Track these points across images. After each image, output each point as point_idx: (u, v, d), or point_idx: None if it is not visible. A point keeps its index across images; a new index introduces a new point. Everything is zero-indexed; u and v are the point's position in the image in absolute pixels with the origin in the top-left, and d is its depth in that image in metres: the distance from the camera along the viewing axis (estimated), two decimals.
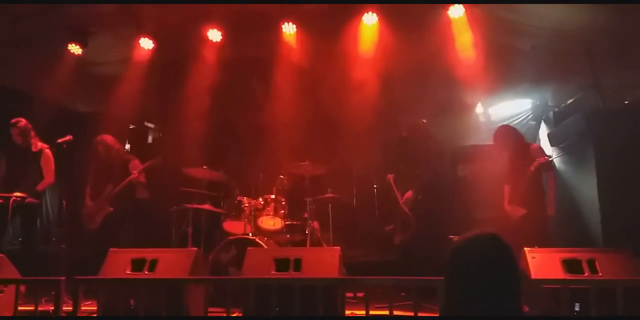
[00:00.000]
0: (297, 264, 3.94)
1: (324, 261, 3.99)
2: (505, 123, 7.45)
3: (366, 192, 6.88)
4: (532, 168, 4.90)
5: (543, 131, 7.31)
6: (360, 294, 5.08)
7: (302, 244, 5.68)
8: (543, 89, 7.19)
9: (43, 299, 4.09)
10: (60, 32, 6.16)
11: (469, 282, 1.68)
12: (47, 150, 5.53)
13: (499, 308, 1.64)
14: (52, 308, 3.71)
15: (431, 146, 5.55)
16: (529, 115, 7.52)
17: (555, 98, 7.17)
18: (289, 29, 6.16)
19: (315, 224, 5.74)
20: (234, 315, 3.66)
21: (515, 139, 5.29)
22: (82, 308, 3.87)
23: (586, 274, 3.55)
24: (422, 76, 6.00)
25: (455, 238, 1.90)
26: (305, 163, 5.73)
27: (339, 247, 4.16)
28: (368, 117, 6.10)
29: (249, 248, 4.27)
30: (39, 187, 5.44)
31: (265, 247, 5.11)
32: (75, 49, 6.28)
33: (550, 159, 4.97)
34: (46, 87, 6.46)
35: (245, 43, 6.34)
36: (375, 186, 6.01)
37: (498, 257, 1.69)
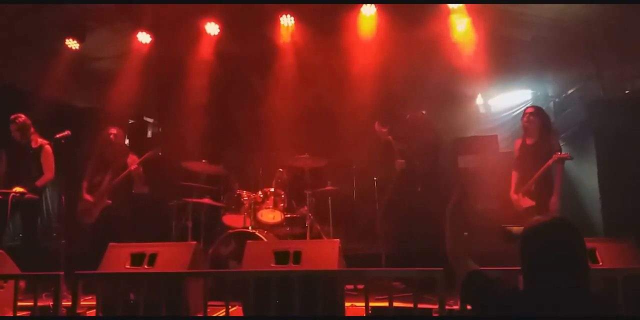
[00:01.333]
0: (297, 257, 3.93)
1: (324, 254, 3.98)
2: (505, 115, 7.48)
3: (366, 185, 6.86)
4: (550, 161, 4.71)
5: None
6: (360, 286, 5.08)
7: (302, 237, 5.67)
8: (543, 79, 7.16)
9: (43, 295, 4.08)
10: (58, 28, 6.14)
11: (545, 266, 1.77)
12: (47, 146, 5.53)
13: (572, 289, 1.74)
14: (52, 303, 3.70)
15: (429, 137, 5.49)
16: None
17: (555, 88, 7.14)
18: (287, 22, 6.13)
19: (310, 216, 5.72)
20: (233, 308, 3.65)
21: (543, 125, 5.00)
22: (82, 303, 3.87)
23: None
24: (421, 67, 5.96)
25: (510, 226, 1.97)
26: (304, 156, 5.71)
27: (338, 240, 4.15)
28: (367, 109, 6.07)
29: (248, 241, 4.26)
30: (39, 183, 5.43)
31: (265, 240, 5.10)
32: (72, 44, 6.25)
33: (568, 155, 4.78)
34: (44, 83, 6.44)
35: (243, 36, 6.30)
36: (375, 179, 5.98)
37: (571, 241, 1.79)
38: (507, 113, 7.30)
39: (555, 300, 1.72)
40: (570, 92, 6.73)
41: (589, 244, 3.63)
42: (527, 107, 5.23)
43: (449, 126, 6.70)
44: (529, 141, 5.04)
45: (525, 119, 5.01)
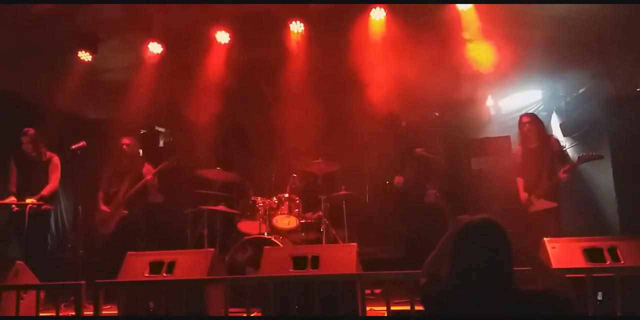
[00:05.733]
0: (315, 262, 3.93)
1: (341, 258, 3.98)
2: (516, 115, 7.45)
3: (379, 189, 6.86)
4: (578, 162, 4.96)
5: (555, 122, 7.25)
6: (377, 291, 5.07)
7: (317, 242, 5.67)
8: (554, 79, 7.12)
9: (62, 305, 4.11)
10: (70, 40, 6.20)
11: (471, 259, 1.94)
12: (56, 158, 5.66)
13: (493, 283, 1.89)
14: (73, 313, 3.72)
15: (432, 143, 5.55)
16: (540, 106, 7.46)
17: (566, 88, 7.10)
18: (296, 28, 6.16)
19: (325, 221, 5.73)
20: (253, 315, 3.65)
21: (542, 128, 5.25)
22: (103, 312, 3.88)
23: (608, 262, 3.51)
24: (432, 70, 5.96)
25: (463, 217, 2.12)
26: (317, 161, 5.72)
27: (355, 244, 4.15)
28: (378, 113, 6.08)
29: (265, 247, 4.28)
30: (44, 192, 5.49)
31: (282, 246, 5.11)
32: (85, 55, 6.31)
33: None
34: (57, 95, 6.51)
35: (253, 43, 6.33)
36: (387, 182, 5.98)
37: (496, 239, 1.95)
38: (519, 113, 7.23)
39: (475, 294, 1.88)
40: (581, 91, 6.70)
41: (610, 243, 3.64)
42: (522, 116, 5.39)
43: (461, 128, 6.69)
44: (531, 146, 5.19)
45: (525, 128, 5.21)
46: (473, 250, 1.93)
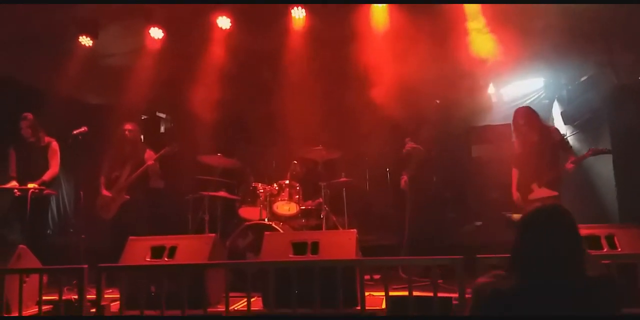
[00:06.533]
0: (315, 247, 3.98)
1: (341, 244, 4.02)
2: (517, 103, 7.44)
3: (379, 176, 6.88)
4: (588, 154, 4.87)
5: (556, 110, 7.24)
6: (376, 276, 5.12)
7: (317, 228, 5.71)
8: (556, 67, 7.09)
9: (65, 288, 4.16)
10: (71, 26, 6.18)
11: (536, 251, 1.82)
12: (54, 143, 5.66)
13: (563, 272, 1.78)
14: (75, 297, 3.76)
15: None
16: (541, 94, 7.44)
17: (568, 76, 7.07)
18: (298, 14, 6.12)
19: (326, 208, 5.75)
20: (253, 299, 3.70)
21: (536, 121, 5.15)
22: (105, 296, 3.93)
23: (605, 250, 3.55)
24: (434, 58, 5.94)
25: (509, 214, 2.00)
26: (318, 148, 5.73)
27: (355, 230, 4.19)
28: (379, 101, 6.06)
29: (266, 233, 4.31)
30: (45, 178, 5.51)
31: (282, 231, 5.15)
32: (86, 40, 6.28)
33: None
34: (58, 80, 6.50)
35: (254, 30, 6.30)
36: (387, 169, 6.00)
37: (560, 226, 1.84)
38: (520, 101, 7.24)
39: (550, 285, 1.76)
40: (583, 79, 6.67)
41: (607, 230, 3.68)
42: (517, 111, 5.28)
43: (462, 116, 6.69)
44: (530, 138, 5.11)
45: (522, 122, 5.11)
46: (543, 237, 1.83)
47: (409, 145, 5.49)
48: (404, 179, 5.54)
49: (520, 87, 7.55)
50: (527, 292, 1.78)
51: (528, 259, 1.83)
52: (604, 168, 5.93)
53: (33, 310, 3.91)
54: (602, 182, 6.05)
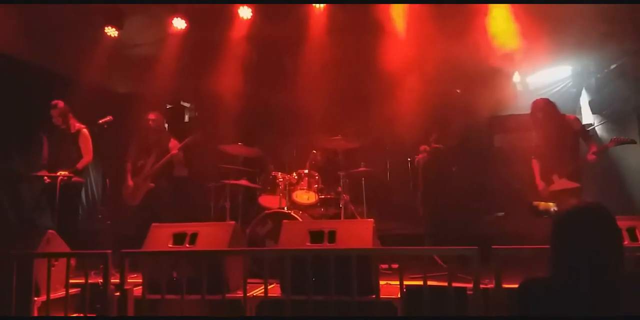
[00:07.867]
0: (332, 236, 4.00)
1: (358, 233, 4.04)
2: (543, 92, 7.28)
3: (399, 166, 6.86)
4: (610, 144, 4.80)
5: (584, 99, 7.07)
6: (395, 266, 5.14)
7: (336, 217, 5.75)
8: (584, 55, 6.91)
9: (92, 272, 4.30)
10: (97, 16, 6.30)
11: (575, 250, 1.79)
12: (85, 130, 5.73)
13: (605, 271, 1.75)
14: (101, 280, 3.89)
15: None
16: (569, 83, 7.27)
17: (596, 64, 6.89)
18: (318, 2, 6.10)
19: (346, 197, 5.78)
20: (271, 286, 3.77)
21: (554, 113, 5.08)
22: (128, 280, 4.05)
23: (626, 242, 3.48)
24: (456, 45, 5.85)
25: (535, 203, 1.97)
26: (337, 137, 5.75)
27: (372, 220, 4.20)
28: (400, 90, 6.03)
29: (284, 221, 4.37)
30: (79, 166, 5.63)
31: (300, 220, 5.20)
32: (111, 31, 6.40)
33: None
34: (86, 69, 6.65)
35: (275, 18, 6.32)
36: (409, 159, 5.97)
37: (605, 224, 1.81)
38: (547, 90, 7.10)
39: (587, 283, 1.74)
40: (612, 67, 6.49)
41: (629, 223, 3.61)
42: (535, 103, 5.19)
43: (485, 105, 6.59)
44: (549, 130, 5.04)
45: (540, 114, 5.05)
46: (583, 238, 1.79)
47: (421, 155, 5.46)
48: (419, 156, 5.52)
49: (548, 75, 7.39)
50: (570, 291, 1.76)
51: (570, 259, 1.81)
52: (632, 158, 5.80)
53: (61, 293, 4.05)
54: (630, 172, 5.92)
